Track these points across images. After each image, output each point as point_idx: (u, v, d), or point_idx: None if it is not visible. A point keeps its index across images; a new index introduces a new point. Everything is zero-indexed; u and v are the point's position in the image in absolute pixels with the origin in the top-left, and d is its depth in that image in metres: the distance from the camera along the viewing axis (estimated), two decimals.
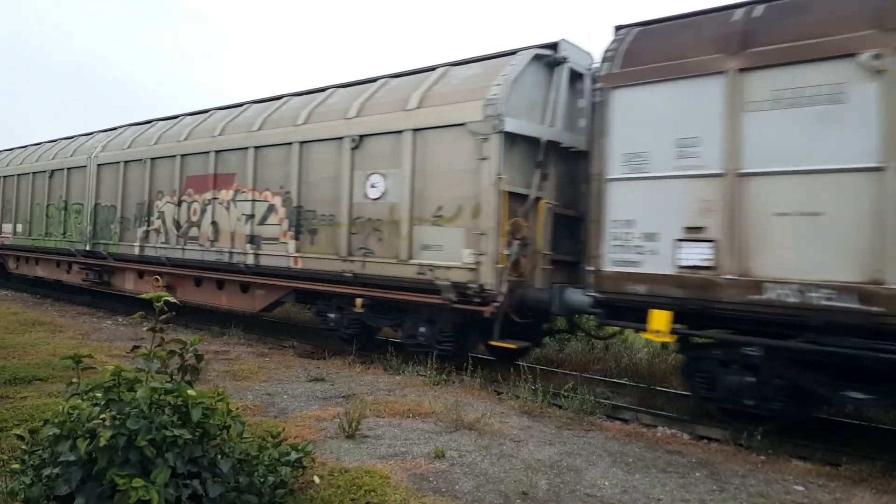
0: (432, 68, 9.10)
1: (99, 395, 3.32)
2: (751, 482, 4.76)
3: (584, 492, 4.42)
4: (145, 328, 3.62)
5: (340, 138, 9.25)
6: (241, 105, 12.15)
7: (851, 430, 6.38)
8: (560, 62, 8.36)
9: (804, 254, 5.46)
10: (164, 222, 12.47)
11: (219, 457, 3.40)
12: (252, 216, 10.54)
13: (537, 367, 8.58)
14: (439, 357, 8.26)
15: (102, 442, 2.98)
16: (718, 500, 4.37)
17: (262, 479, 3.63)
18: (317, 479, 4.20)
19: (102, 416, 3.13)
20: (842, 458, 5.40)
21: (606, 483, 4.61)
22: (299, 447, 4.12)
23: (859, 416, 6.86)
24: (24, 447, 3.48)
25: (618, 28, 7.22)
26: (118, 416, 3.13)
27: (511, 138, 7.71)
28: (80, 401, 3.32)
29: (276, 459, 3.91)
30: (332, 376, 7.98)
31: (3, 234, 18.41)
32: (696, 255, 6.04)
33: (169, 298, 3.59)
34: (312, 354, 9.77)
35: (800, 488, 4.68)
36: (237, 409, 3.88)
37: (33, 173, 17.13)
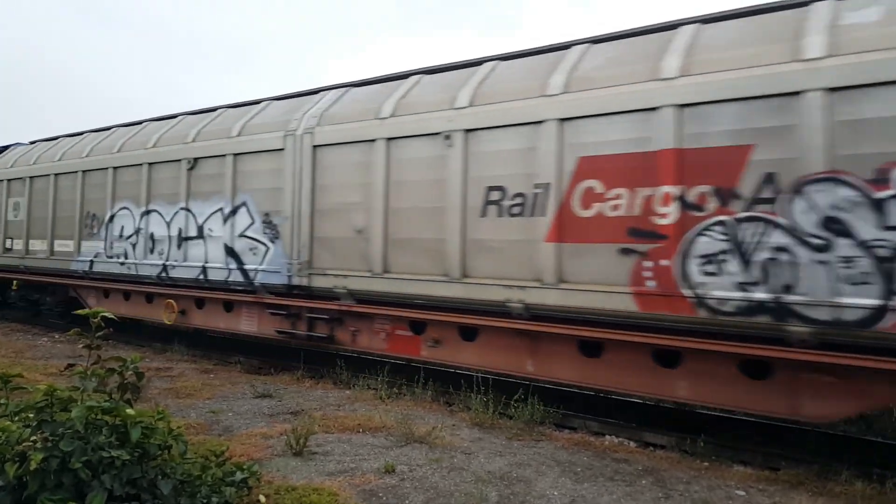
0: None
1: (30, 415, 3.17)
2: (695, 488, 4.88)
3: (534, 502, 4.45)
4: (81, 345, 3.48)
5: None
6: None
7: (790, 435, 6.60)
8: None
9: None
10: None
11: (159, 477, 3.28)
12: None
13: None
14: None
15: (33, 465, 2.84)
16: None
17: (205, 500, 3.51)
18: (262, 499, 4.10)
19: (34, 437, 2.98)
20: (780, 463, 5.60)
21: (556, 493, 4.64)
22: (244, 466, 4.01)
23: (797, 421, 7.11)
24: None
25: None
26: (51, 438, 2.99)
27: None
28: (9, 422, 3.16)
29: (220, 479, 3.79)
30: (279, 392, 7.82)
31: None
32: None
33: (106, 314, 3.46)
34: (260, 370, 9.56)
35: (741, 493, 4.82)
36: (179, 427, 3.75)
37: None
